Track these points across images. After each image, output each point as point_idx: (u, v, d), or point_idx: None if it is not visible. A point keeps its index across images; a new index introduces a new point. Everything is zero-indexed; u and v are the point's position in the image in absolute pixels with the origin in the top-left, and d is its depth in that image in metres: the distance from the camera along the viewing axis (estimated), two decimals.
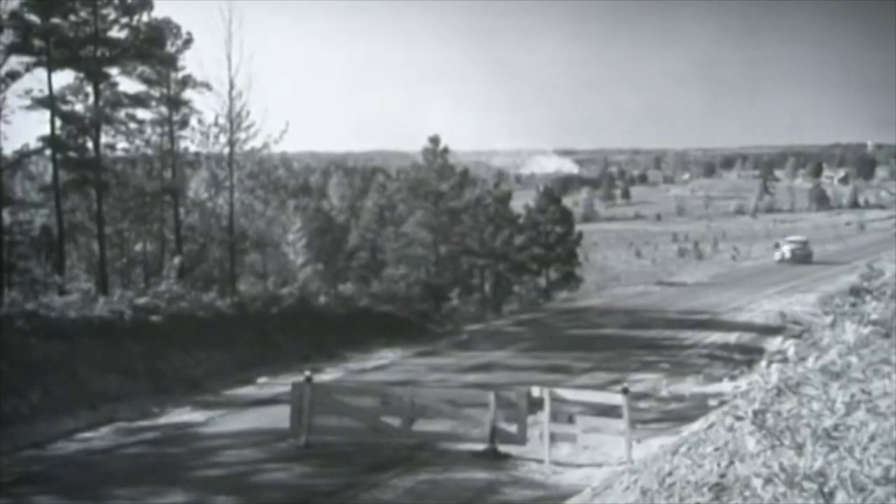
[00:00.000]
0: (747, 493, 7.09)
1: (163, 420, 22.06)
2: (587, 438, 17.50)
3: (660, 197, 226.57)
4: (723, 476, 8.03)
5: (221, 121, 39.32)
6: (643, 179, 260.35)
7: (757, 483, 6.87)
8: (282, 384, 23.75)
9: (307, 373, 19.86)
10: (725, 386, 23.46)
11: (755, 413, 8.28)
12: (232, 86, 38.64)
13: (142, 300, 29.52)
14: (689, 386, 25.08)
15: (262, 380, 26.84)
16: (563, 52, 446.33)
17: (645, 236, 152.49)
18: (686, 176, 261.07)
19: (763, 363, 13.93)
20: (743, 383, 13.00)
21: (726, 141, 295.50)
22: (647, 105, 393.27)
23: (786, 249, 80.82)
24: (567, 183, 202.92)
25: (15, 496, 15.82)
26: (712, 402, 18.37)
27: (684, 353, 31.68)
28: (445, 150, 58.17)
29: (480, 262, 59.96)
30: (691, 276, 74.62)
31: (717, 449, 9.12)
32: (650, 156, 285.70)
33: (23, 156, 38.27)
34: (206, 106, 39.92)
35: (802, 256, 78.18)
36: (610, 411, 17.48)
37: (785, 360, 10.19)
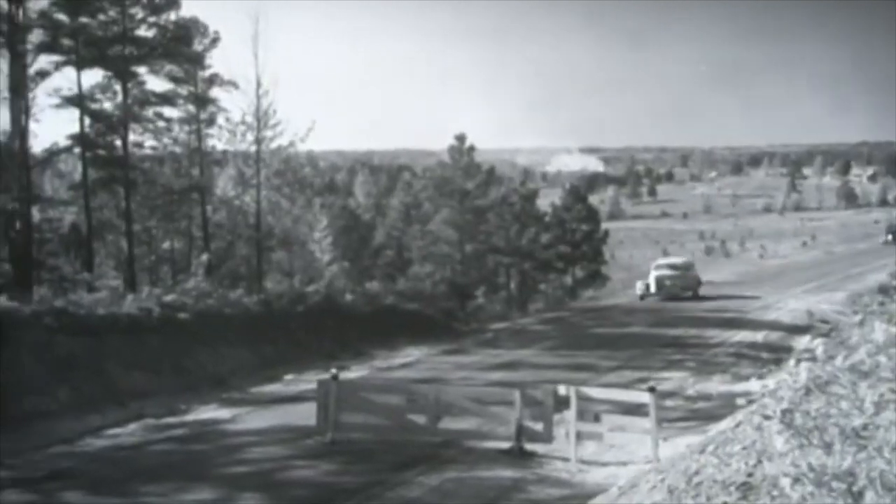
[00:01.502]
0: (775, 493, 7.05)
1: (190, 417, 22.17)
2: (613, 437, 17.43)
3: (686, 195, 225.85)
4: (750, 475, 7.99)
5: (248, 119, 39.61)
6: (670, 177, 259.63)
7: (785, 482, 6.84)
8: (308, 381, 23.81)
9: (333, 370, 19.90)
10: (753, 385, 23.37)
11: (783, 412, 8.24)
12: (259, 84, 38.93)
13: (169, 297, 29.68)
14: (716, 385, 24.92)
15: (288, 377, 26.94)
16: (589, 51, 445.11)
17: (671, 234, 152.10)
18: (713, 174, 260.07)
19: (791, 362, 13.88)
20: (771, 382, 12.96)
21: (753, 139, 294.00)
22: (674, 103, 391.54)
23: (653, 278, 51.99)
24: (593, 181, 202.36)
25: (44, 492, 15.94)
26: (740, 401, 18.34)
27: (711, 351, 31.50)
28: (471, 148, 58.21)
29: (506, 261, 59.94)
30: (718, 274, 74.22)
31: (744, 448, 9.08)
32: (677, 154, 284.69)
33: (52, 154, 38.59)
34: (233, 104, 40.23)
35: (677, 288, 51.16)
36: (636, 410, 17.41)
37: (813, 359, 10.16)
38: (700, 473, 9.03)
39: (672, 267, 54.18)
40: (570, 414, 17.34)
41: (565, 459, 16.96)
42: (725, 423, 13.77)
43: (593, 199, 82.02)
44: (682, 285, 51.39)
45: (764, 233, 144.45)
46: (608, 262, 70.77)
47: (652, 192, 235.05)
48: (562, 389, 17.84)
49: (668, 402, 21.32)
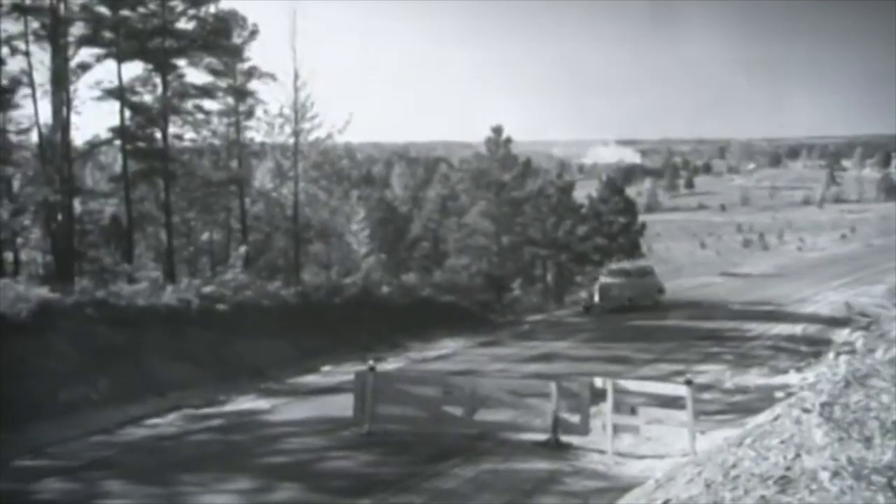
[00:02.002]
0: (814, 486, 7.03)
1: (228, 407, 22.36)
2: (650, 429, 17.40)
3: (724, 187, 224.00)
4: (788, 469, 7.97)
5: (286, 111, 39.81)
6: (707, 169, 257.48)
7: (824, 476, 6.82)
8: (345, 373, 23.94)
9: (370, 362, 20.01)
10: (792, 378, 23.22)
11: (823, 405, 8.21)
12: (297, 76, 39.10)
13: (208, 289, 29.95)
14: (754, 378, 24.79)
15: (325, 368, 27.09)
16: (625, 43, 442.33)
17: (709, 227, 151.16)
18: (751, 166, 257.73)
19: (831, 355, 13.80)
20: (810, 375, 12.88)
21: (792, 130, 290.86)
22: (712, 95, 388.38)
23: (598, 286, 43.11)
24: (630, 173, 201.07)
25: (85, 481, 16.15)
26: (779, 394, 18.25)
27: (748, 344, 31.33)
28: (508, 140, 58.18)
29: (542, 253, 59.86)
30: (756, 267, 73.74)
31: (782, 441, 9.04)
32: (714, 145, 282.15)
33: (93, 146, 39.09)
34: (271, 96, 40.47)
35: (625, 298, 42.07)
36: (673, 403, 17.37)
37: (853, 352, 10.09)
38: (737, 467, 9.01)
39: (623, 273, 44.58)
40: (607, 406, 17.34)
41: (601, 452, 16.97)
42: (763, 417, 13.70)
43: (630, 192, 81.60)
44: (635, 294, 42.16)
45: (802, 225, 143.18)
46: (645, 254, 70.44)
47: (689, 185, 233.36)
48: (598, 382, 17.84)
49: (706, 395, 21.23)
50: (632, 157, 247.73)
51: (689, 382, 17.02)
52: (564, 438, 17.61)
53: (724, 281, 61.85)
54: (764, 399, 20.03)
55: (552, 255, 60.34)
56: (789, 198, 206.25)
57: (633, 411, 17.62)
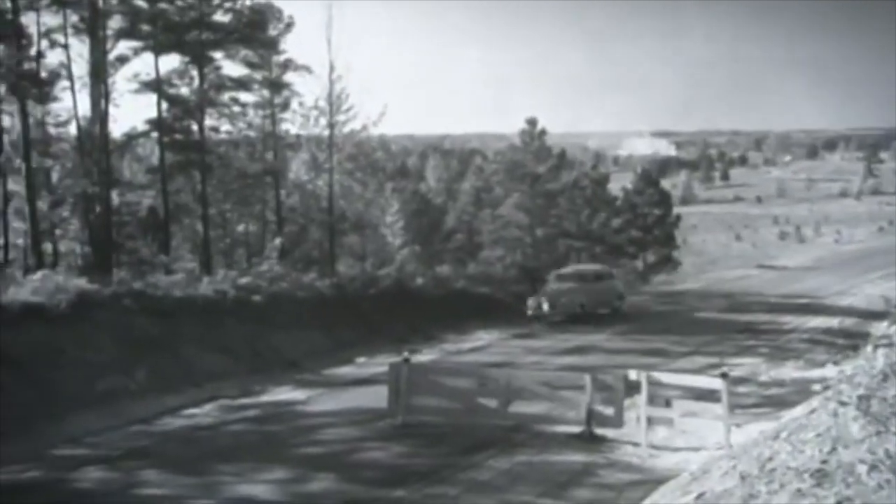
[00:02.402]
0: (850, 480, 7.01)
1: (264, 398, 22.53)
2: (684, 422, 17.36)
3: (760, 179, 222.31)
4: (825, 462, 7.94)
5: (321, 103, 40.03)
6: (743, 161, 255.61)
7: (861, 469, 6.80)
8: (379, 364, 24.03)
9: (405, 353, 20.06)
10: (829, 371, 23.03)
11: (860, 398, 8.17)
12: (332, 69, 39.26)
13: (244, 280, 30.17)
14: (790, 371, 24.65)
15: (360, 359, 27.21)
16: (660, 34, 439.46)
17: (745, 219, 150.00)
18: (788, 158, 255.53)
19: (868, 348, 13.69)
20: (848, 368, 12.78)
21: (829, 122, 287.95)
22: (748, 86, 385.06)
23: (546, 293, 36.84)
24: (665, 165, 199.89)
25: (123, 470, 16.33)
26: (816, 387, 18.13)
27: (784, 337, 31.14)
28: (543, 132, 58.05)
29: (577, 245, 59.67)
30: (792, 260, 73.24)
31: (819, 435, 9.00)
32: (751, 137, 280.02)
33: (131, 138, 39.41)
34: (306, 89, 40.62)
35: (576, 306, 36.41)
36: (708, 395, 17.31)
37: (891, 345, 10.01)
38: (773, 460, 8.98)
39: (575, 277, 38.37)
40: (641, 399, 17.30)
41: (636, 444, 16.94)
42: (799, 410, 13.64)
43: (665, 184, 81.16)
44: (590, 301, 36.66)
45: (839, 217, 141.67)
46: (680, 246, 70.07)
47: (725, 177, 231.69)
48: (632, 374, 17.80)
49: (741, 388, 21.14)
50: (667, 148, 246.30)
51: (724, 375, 16.93)
52: (598, 431, 17.61)
53: (760, 273, 61.49)
54: (800, 392, 19.92)
55: (586, 248, 60.14)
56: (826, 190, 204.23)
57: (667, 404, 17.58)
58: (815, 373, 23.59)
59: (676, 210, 70.11)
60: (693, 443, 16.83)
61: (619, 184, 69.64)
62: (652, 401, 17.27)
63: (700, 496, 9.18)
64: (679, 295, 47.69)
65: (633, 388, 17.68)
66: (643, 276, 61.68)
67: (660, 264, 64.27)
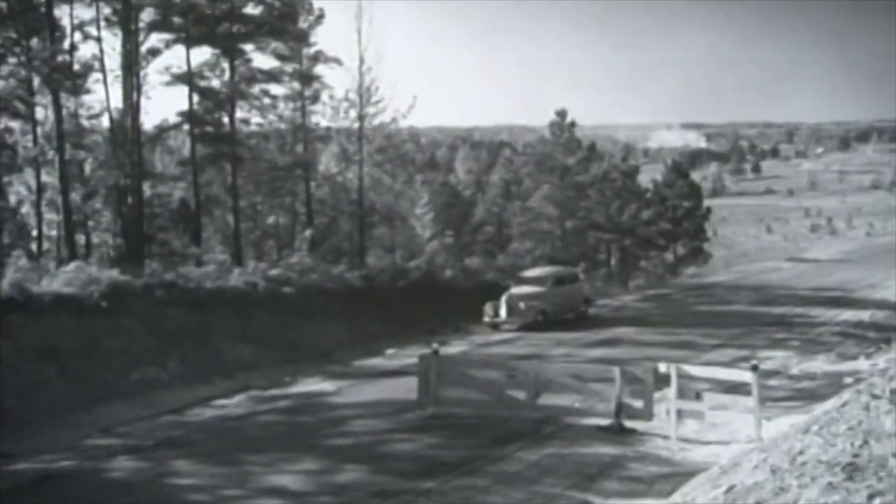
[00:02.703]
0: (882, 474, 6.98)
1: (294, 389, 22.64)
2: (715, 415, 17.29)
3: (792, 171, 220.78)
4: (856, 456, 7.91)
5: (351, 96, 40.07)
6: (775, 153, 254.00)
7: (893, 463, 6.77)
8: (409, 356, 24.13)
9: (434, 345, 20.10)
10: (860, 364, 22.93)
11: (893, 392, 8.12)
12: (362, 61, 39.31)
13: (274, 272, 30.30)
14: (821, 364, 24.50)
15: (389, 351, 27.28)
16: (690, 25, 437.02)
17: (776, 211, 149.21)
18: (819, 150, 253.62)
19: None
20: (880, 361, 12.72)
21: (861, 113, 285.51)
22: (779, 77, 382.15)
23: (504, 298, 33.12)
24: (695, 157, 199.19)
25: (155, 459, 16.51)
26: (848, 381, 18.02)
27: (816, 330, 30.94)
28: (572, 124, 57.95)
29: (607, 237, 59.63)
30: (824, 253, 72.80)
31: (850, 428, 8.97)
32: (782, 129, 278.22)
33: (162, 130, 39.69)
34: (336, 81, 40.70)
35: (535, 312, 32.77)
36: (738, 388, 17.24)
37: None
38: (804, 453, 8.95)
39: (537, 280, 34.48)
40: (671, 391, 17.26)
41: (665, 437, 16.92)
42: (831, 403, 13.54)
43: (695, 176, 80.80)
44: (552, 305, 33.37)
45: (872, 210, 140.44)
46: (710, 239, 69.81)
47: (756, 169, 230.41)
48: (662, 367, 17.75)
49: (772, 382, 21.06)
50: (697, 140, 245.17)
51: (755, 368, 16.87)
52: (628, 423, 17.58)
53: (791, 266, 61.14)
54: (831, 385, 19.81)
55: (616, 240, 60.09)
56: (858, 182, 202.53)
57: (697, 397, 17.53)
58: (847, 366, 23.48)
59: (707, 202, 69.80)
60: (723, 436, 16.79)
61: (649, 176, 69.42)
62: (682, 394, 17.23)
63: (730, 489, 9.17)
64: (709, 287, 47.49)
65: (662, 380, 17.64)
66: (673, 269, 61.54)
67: (690, 257, 64.09)
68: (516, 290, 33.61)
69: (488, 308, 32.87)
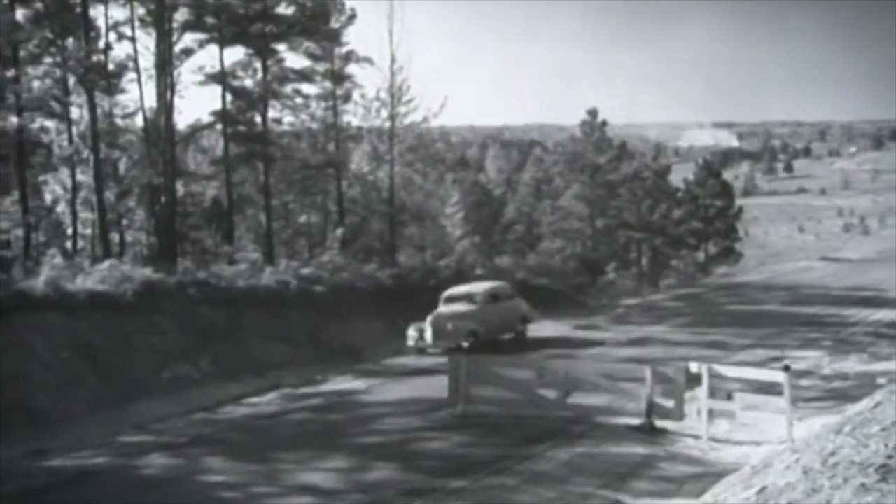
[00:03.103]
0: None
1: (325, 387, 22.79)
2: (746, 416, 17.20)
3: (824, 170, 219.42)
4: (890, 457, 7.89)
5: (383, 95, 40.16)
6: (807, 152, 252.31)
7: None
8: (439, 355, 24.16)
9: (464, 344, 20.13)
10: (893, 364, 22.72)
11: None
12: (393, 60, 39.40)
13: (306, 270, 30.51)
14: (853, 364, 24.28)
15: None
16: (721, 23, 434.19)
17: (808, 210, 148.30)
18: (852, 149, 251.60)
19: None
20: None
21: (895, 112, 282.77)
22: (811, 76, 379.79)
23: (430, 320, 28.23)
24: (727, 156, 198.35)
25: (187, 457, 16.70)
26: (881, 381, 17.91)
27: (848, 330, 30.69)
28: (603, 123, 57.89)
29: (637, 236, 59.53)
30: (856, 252, 72.24)
31: (883, 429, 8.94)
32: (814, 128, 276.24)
33: (195, 130, 39.92)
34: (368, 81, 40.77)
35: (464, 334, 27.51)
36: (770, 389, 17.16)
37: None
38: (836, 454, 8.93)
39: (467, 298, 29.72)
40: (702, 391, 17.21)
41: (696, 437, 16.86)
42: (863, 404, 13.48)
43: (727, 175, 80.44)
44: (487, 325, 28.56)
45: None
46: (742, 238, 69.48)
47: (788, 168, 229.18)
48: (693, 367, 17.69)
49: (804, 382, 20.93)
50: (729, 139, 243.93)
51: (786, 368, 16.79)
52: (659, 423, 17.53)
53: (823, 266, 60.76)
54: (864, 386, 19.66)
55: (647, 239, 59.97)
56: (891, 181, 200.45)
57: (728, 397, 17.45)
58: (880, 366, 23.26)
59: (738, 201, 69.45)
60: (754, 436, 16.71)
61: (681, 175, 69.16)
62: (713, 393, 17.15)
63: (762, 490, 9.16)
64: (740, 287, 47.27)
65: (693, 380, 17.59)
66: (704, 268, 61.32)
67: (721, 256, 63.86)
68: (445, 308, 28.90)
69: (412, 331, 28.17)
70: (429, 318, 28.22)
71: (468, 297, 29.64)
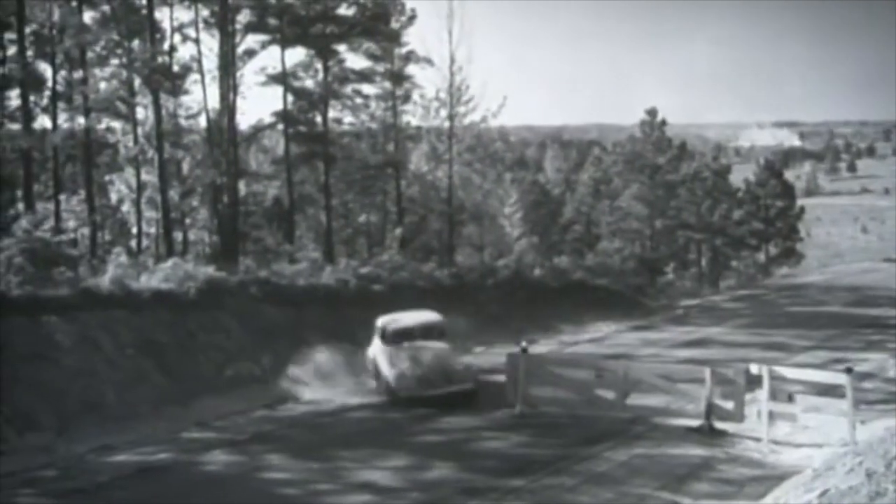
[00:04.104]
0: None
1: None
2: (807, 418, 17.09)
3: (889, 170, 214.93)
4: None
5: (442, 95, 40.25)
6: (871, 152, 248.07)
7: None
8: (497, 354, 24.16)
9: (523, 344, 20.18)
10: None
11: None
12: (452, 61, 39.47)
13: (365, 269, 30.69)
14: None
15: (478, 349, 27.34)
16: (784, 23, 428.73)
17: (872, 211, 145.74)
18: None
19: None
20: None
21: None
22: (875, 75, 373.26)
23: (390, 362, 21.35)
24: (789, 156, 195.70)
25: (248, 453, 16.97)
26: None
27: None
28: (663, 123, 57.49)
29: (697, 237, 59.04)
30: None
31: None
32: (879, 128, 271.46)
33: (257, 130, 40.40)
34: (427, 81, 40.88)
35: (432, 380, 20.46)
36: (832, 391, 17.02)
37: None
38: None
39: (423, 331, 22.96)
40: (763, 393, 17.11)
41: (757, 439, 16.77)
42: None
43: (789, 175, 79.32)
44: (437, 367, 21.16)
45: None
46: (804, 239, 68.56)
47: (852, 168, 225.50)
48: (754, 368, 17.60)
49: (866, 384, 20.70)
50: (790, 139, 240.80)
51: (849, 370, 16.65)
52: (718, 425, 17.47)
53: (887, 267, 59.57)
54: None
55: (707, 239, 59.45)
56: None
57: (790, 399, 17.33)
58: None
59: (800, 202, 68.55)
60: (816, 439, 16.58)
61: (741, 175, 68.42)
62: (774, 395, 17.06)
63: (824, 493, 9.13)
64: (802, 288, 46.70)
65: (754, 382, 17.48)
66: (765, 269, 60.67)
67: (782, 257, 63.09)
68: (409, 351, 21.86)
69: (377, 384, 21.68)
70: (386, 358, 21.61)
71: (425, 329, 23.08)
